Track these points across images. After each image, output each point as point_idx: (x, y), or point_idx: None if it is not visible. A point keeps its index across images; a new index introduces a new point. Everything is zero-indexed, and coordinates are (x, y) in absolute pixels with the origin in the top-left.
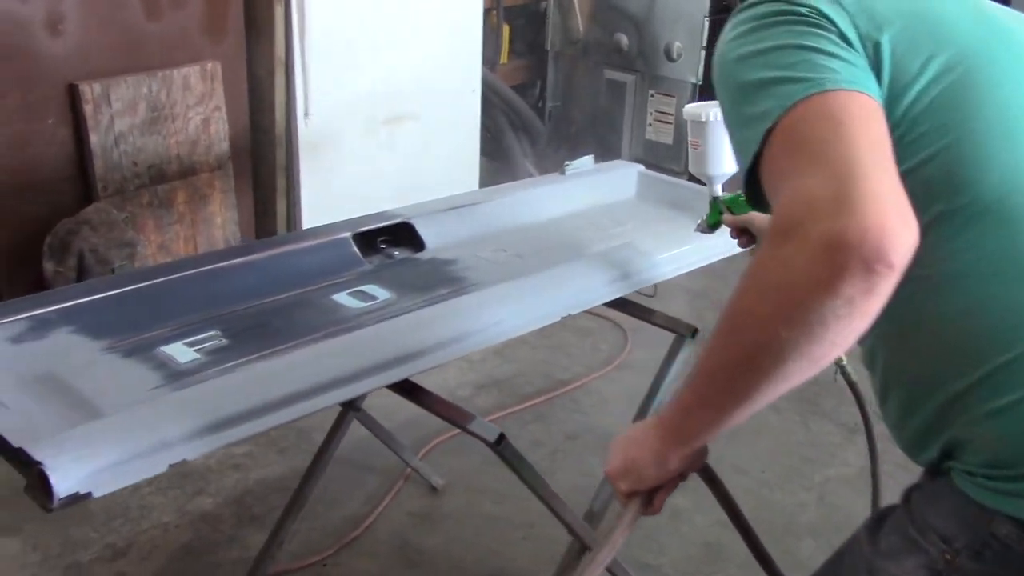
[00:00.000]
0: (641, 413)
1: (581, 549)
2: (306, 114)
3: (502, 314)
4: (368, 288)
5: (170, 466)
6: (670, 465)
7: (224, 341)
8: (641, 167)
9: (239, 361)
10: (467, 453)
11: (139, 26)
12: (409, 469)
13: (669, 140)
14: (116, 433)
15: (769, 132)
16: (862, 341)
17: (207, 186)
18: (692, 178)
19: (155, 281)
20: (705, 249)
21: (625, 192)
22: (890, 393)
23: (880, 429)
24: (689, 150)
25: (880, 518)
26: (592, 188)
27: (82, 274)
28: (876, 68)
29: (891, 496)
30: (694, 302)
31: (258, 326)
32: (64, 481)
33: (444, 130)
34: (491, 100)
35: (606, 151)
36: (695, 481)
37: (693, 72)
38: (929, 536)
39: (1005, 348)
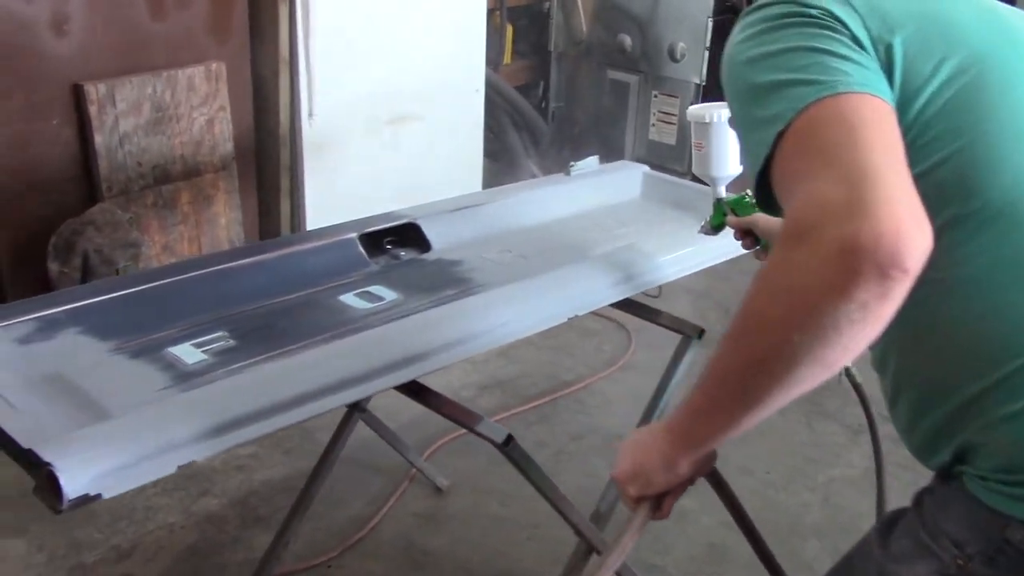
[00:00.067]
0: (647, 415)
1: (588, 550)
2: (310, 114)
3: (509, 315)
4: (375, 289)
5: (179, 467)
6: (679, 470)
7: (232, 342)
8: (646, 168)
9: (247, 362)
10: (472, 454)
11: (144, 26)
12: (414, 470)
13: (672, 141)
14: (125, 434)
15: (781, 135)
16: (873, 345)
17: (211, 187)
18: (695, 179)
19: (163, 282)
20: (710, 251)
21: (630, 193)
22: (901, 396)
23: (885, 430)
24: (693, 151)
25: (891, 522)
26: (597, 189)
27: (87, 274)
28: (888, 70)
29: (895, 497)
30: (697, 302)
31: (265, 327)
32: (74, 483)
33: (448, 130)
34: (494, 100)
35: (609, 151)
36: (700, 482)
37: (696, 73)
38: (941, 541)
39: (1021, 352)
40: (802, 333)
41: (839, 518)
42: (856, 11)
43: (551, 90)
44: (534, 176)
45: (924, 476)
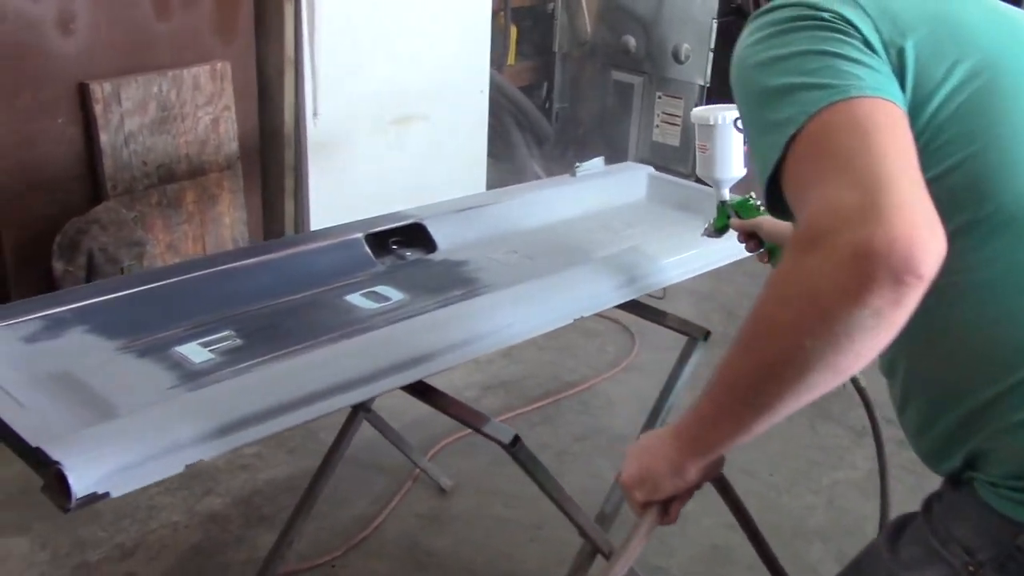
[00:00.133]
0: (652, 417)
1: (592, 552)
2: (315, 114)
3: (515, 316)
4: (381, 289)
5: (186, 466)
6: (687, 476)
7: (238, 341)
8: (651, 169)
9: (254, 361)
10: (475, 454)
11: (149, 26)
12: (418, 470)
13: (676, 142)
14: (133, 433)
15: (793, 139)
16: (883, 350)
17: (216, 186)
18: (698, 180)
19: (169, 281)
20: (714, 253)
21: (635, 194)
22: (911, 402)
23: (888, 433)
24: (696, 153)
25: (899, 527)
26: (602, 190)
27: (91, 273)
28: (900, 74)
29: (899, 499)
30: (700, 304)
31: (272, 326)
32: (82, 481)
33: (452, 131)
34: (499, 101)
35: (613, 153)
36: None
37: (701, 74)
38: (951, 547)
39: None
40: (814, 339)
41: (843, 521)
42: (867, 14)
43: (555, 91)
44: (538, 176)
45: (928, 479)
